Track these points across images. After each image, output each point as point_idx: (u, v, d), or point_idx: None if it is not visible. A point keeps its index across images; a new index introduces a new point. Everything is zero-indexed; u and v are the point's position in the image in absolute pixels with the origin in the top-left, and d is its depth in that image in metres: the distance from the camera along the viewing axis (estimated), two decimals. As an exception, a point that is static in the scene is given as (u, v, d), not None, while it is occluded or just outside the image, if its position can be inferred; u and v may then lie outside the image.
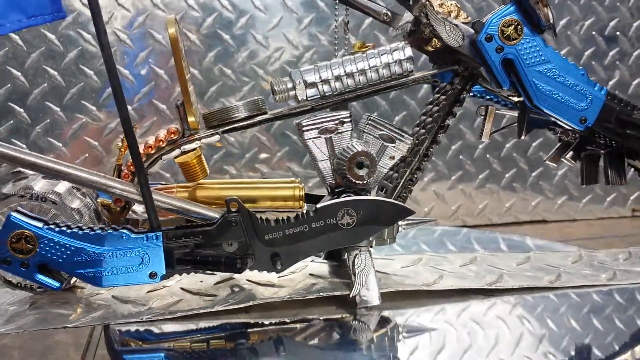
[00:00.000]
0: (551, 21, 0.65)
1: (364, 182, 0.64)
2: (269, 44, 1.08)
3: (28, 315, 0.63)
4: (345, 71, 0.66)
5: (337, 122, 0.65)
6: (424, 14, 0.65)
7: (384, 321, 0.63)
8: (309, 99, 0.67)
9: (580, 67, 0.68)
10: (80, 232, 0.61)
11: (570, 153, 0.74)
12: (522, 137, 0.73)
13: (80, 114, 1.01)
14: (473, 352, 0.56)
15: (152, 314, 0.62)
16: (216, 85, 1.06)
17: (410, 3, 0.67)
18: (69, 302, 0.65)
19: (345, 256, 0.69)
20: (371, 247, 0.67)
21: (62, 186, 0.66)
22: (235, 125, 0.67)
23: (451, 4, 0.68)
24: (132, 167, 0.64)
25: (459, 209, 1.17)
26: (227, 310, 0.64)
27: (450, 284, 0.68)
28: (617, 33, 1.21)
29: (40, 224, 0.60)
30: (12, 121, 0.99)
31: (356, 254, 0.66)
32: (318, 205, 0.64)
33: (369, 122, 0.66)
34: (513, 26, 0.65)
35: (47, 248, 0.60)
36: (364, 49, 0.68)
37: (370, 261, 0.65)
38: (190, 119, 0.63)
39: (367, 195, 0.66)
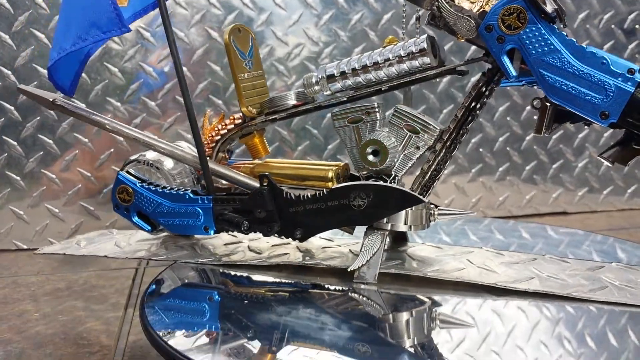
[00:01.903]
0: (549, 9, 0.60)
1: (376, 168, 0.68)
2: (288, 40, 1.09)
3: (141, 250, 0.79)
4: (362, 65, 0.68)
5: (363, 112, 0.68)
6: (436, 7, 0.64)
7: (369, 295, 0.66)
8: (333, 92, 0.71)
9: (602, 56, 0.60)
10: (160, 190, 0.76)
11: (612, 150, 0.65)
12: (542, 133, 0.67)
13: (105, 111, 1.03)
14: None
15: (205, 259, 0.75)
16: (238, 81, 1.08)
17: None
18: (184, 245, 0.80)
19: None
20: (389, 230, 0.69)
21: None
22: (282, 113, 0.73)
23: None
24: (211, 145, 0.78)
25: (479, 201, 1.18)
26: (261, 266, 0.73)
27: (456, 277, 0.68)
28: (637, 26, 1.21)
29: (137, 182, 0.77)
30: (38, 117, 1.01)
31: (369, 234, 0.68)
32: (333, 187, 0.68)
33: (395, 112, 0.67)
34: (515, 14, 0.61)
35: (140, 200, 0.77)
36: (388, 44, 0.69)
37: (380, 243, 0.68)
38: (243, 109, 0.74)
39: (394, 182, 0.68)
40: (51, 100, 0.76)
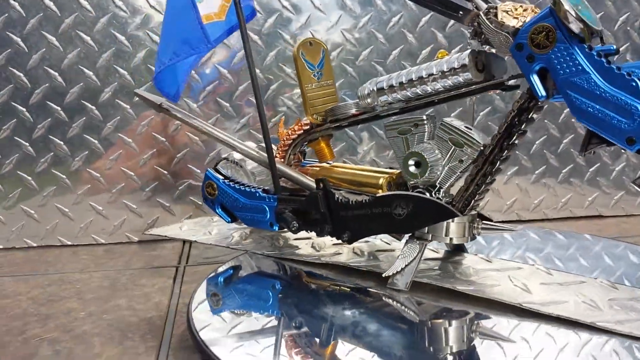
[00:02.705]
0: (574, 28, 0.58)
1: (417, 179, 0.69)
2: (327, 42, 1.10)
3: (227, 238, 0.90)
4: (408, 79, 0.69)
5: (412, 124, 0.71)
6: (477, 24, 0.65)
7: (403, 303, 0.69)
8: (383, 104, 0.73)
9: (634, 78, 0.58)
10: (237, 186, 0.84)
11: None
12: (583, 154, 0.65)
13: (148, 111, 1.06)
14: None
15: (270, 251, 0.83)
16: (276, 84, 1.09)
17: (460, 14, 0.65)
18: (266, 237, 0.91)
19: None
20: (429, 240, 0.70)
21: None
22: (344, 122, 0.78)
23: (524, 10, 0.64)
24: (284, 148, 0.85)
25: (514, 203, 1.18)
26: (314, 263, 0.80)
27: (484, 293, 0.67)
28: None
29: (220, 178, 0.86)
30: (84, 118, 1.04)
31: (409, 243, 0.71)
32: (377, 194, 0.71)
33: (440, 126, 0.69)
34: (544, 33, 0.60)
35: (222, 194, 0.85)
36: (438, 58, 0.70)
37: (418, 252, 0.70)
38: (308, 117, 0.81)
39: (438, 193, 0.69)
40: (159, 104, 0.88)
